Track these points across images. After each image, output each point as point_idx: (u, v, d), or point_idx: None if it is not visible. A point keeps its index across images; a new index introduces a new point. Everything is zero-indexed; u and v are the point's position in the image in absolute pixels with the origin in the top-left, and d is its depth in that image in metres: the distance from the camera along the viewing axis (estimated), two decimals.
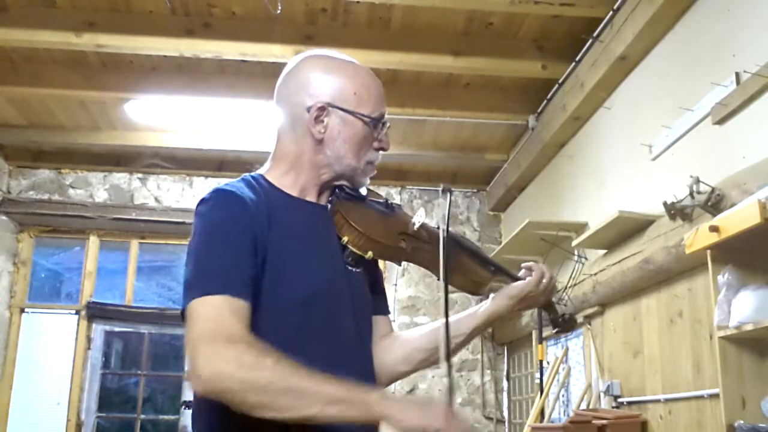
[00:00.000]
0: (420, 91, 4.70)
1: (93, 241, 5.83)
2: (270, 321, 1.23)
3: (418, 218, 1.45)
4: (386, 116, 1.44)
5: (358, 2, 3.77)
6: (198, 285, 1.20)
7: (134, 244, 5.89)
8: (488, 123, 4.99)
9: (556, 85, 4.30)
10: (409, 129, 5.19)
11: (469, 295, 1.50)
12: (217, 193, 1.31)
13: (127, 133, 5.31)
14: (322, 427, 1.16)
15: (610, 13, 3.52)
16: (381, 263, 1.51)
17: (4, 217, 5.62)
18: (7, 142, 5.48)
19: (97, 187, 5.80)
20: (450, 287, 1.35)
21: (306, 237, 1.34)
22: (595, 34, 3.68)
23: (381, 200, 1.49)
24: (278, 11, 3.67)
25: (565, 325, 1.63)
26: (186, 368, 1.16)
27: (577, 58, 3.96)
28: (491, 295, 1.52)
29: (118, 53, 4.24)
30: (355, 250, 1.38)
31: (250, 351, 1.13)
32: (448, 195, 1.38)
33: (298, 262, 1.30)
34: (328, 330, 1.31)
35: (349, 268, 1.39)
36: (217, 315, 1.17)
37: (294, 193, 1.39)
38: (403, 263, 1.47)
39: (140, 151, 5.60)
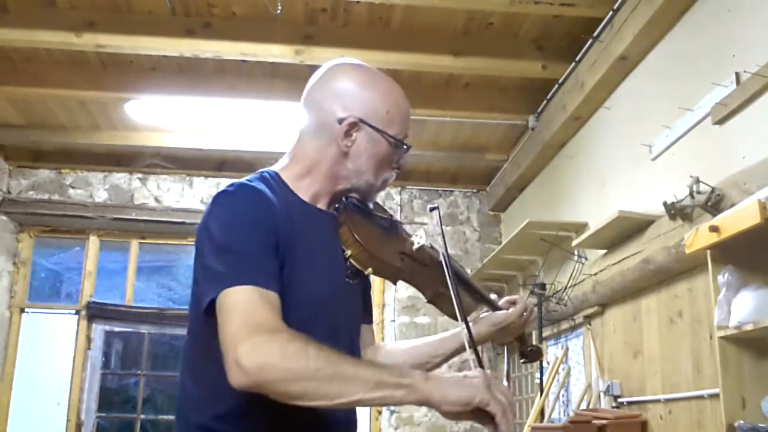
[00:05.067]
0: (420, 91, 4.69)
1: (93, 241, 5.83)
2: None
3: (418, 239, 1.46)
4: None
5: (358, 2, 3.77)
6: (229, 275, 1.19)
7: (134, 244, 5.89)
8: (488, 123, 4.99)
9: (556, 85, 4.30)
10: (409, 129, 5.18)
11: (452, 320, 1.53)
12: (243, 187, 1.31)
13: (127, 133, 5.31)
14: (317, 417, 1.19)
15: (610, 13, 3.52)
16: None
17: (4, 217, 5.62)
18: (7, 142, 5.48)
19: (97, 187, 5.80)
20: (436, 308, 1.43)
21: (317, 244, 1.35)
22: (595, 34, 3.68)
23: (385, 216, 1.50)
24: (278, 11, 3.67)
25: (532, 356, 1.67)
26: (227, 362, 1.13)
27: (577, 58, 3.96)
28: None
29: (118, 53, 4.24)
30: (356, 264, 1.39)
31: (293, 340, 1.13)
32: (437, 213, 1.42)
33: (309, 267, 1.31)
34: (329, 337, 1.31)
35: (347, 279, 1.41)
36: (253, 306, 1.16)
37: (306, 198, 1.39)
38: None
39: (140, 151, 5.60)
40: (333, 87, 1.40)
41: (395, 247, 1.44)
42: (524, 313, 1.56)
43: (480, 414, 1.14)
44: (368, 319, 1.55)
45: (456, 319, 1.52)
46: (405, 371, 1.18)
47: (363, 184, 1.41)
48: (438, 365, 1.54)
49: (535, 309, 1.63)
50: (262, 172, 1.38)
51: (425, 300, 1.47)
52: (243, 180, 1.33)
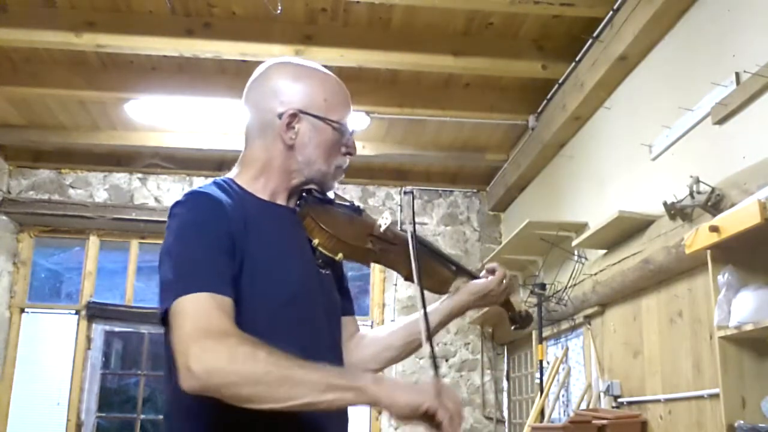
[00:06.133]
0: (420, 91, 4.70)
1: (93, 241, 5.83)
2: (247, 324, 1.23)
3: (384, 220, 1.49)
4: (349, 123, 1.47)
5: (358, 2, 3.77)
6: (181, 283, 1.20)
7: (134, 244, 5.89)
8: (488, 123, 4.99)
9: (556, 85, 4.30)
10: (409, 129, 5.19)
11: (435, 295, 1.56)
12: (193, 195, 1.32)
13: (127, 133, 5.32)
14: (299, 418, 1.20)
15: (610, 13, 3.52)
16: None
17: (4, 217, 5.62)
18: (7, 142, 5.48)
19: (97, 187, 5.80)
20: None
21: (280, 240, 1.36)
22: (595, 34, 3.68)
23: (348, 203, 1.53)
24: (278, 11, 3.67)
25: (523, 322, 1.71)
26: (177, 367, 1.14)
27: (577, 58, 3.96)
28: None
29: (118, 53, 4.24)
30: (325, 252, 1.40)
31: (242, 344, 1.14)
32: (411, 197, 1.45)
33: (275, 265, 1.32)
34: (304, 332, 1.33)
35: (320, 270, 1.42)
36: (205, 311, 1.17)
37: (264, 197, 1.41)
38: (372, 264, 1.51)
39: (140, 151, 5.60)
40: (268, 86, 1.43)
41: (362, 230, 1.47)
42: (504, 280, 1.58)
43: (429, 420, 1.16)
44: (348, 310, 1.56)
45: (436, 292, 1.56)
46: (357, 374, 1.20)
47: (316, 173, 1.43)
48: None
49: (514, 276, 1.65)
50: (215, 180, 1.40)
51: (403, 279, 1.50)
52: (195, 188, 1.35)
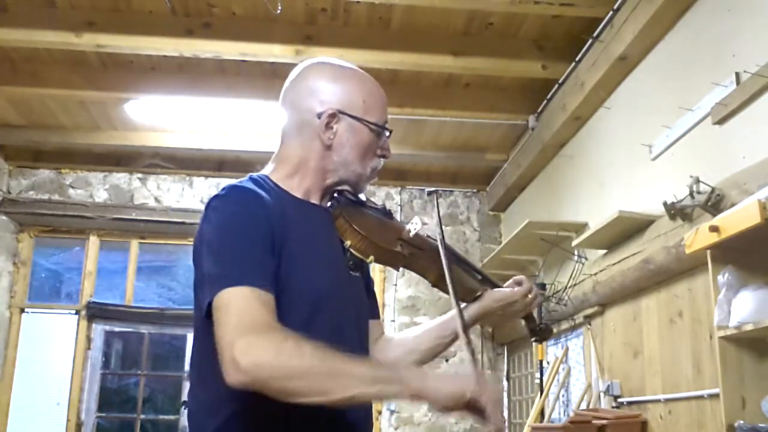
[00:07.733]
0: (420, 91, 4.70)
1: (93, 241, 5.83)
2: (279, 320, 1.23)
3: (414, 225, 1.49)
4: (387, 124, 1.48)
5: (358, 2, 3.77)
6: (225, 277, 1.21)
7: (134, 244, 5.89)
8: (488, 123, 4.99)
9: (556, 85, 4.30)
10: (409, 129, 5.19)
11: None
12: (234, 189, 1.32)
13: (127, 133, 5.32)
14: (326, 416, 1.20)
15: (610, 13, 3.52)
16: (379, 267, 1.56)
17: (4, 217, 5.62)
18: (7, 142, 5.48)
19: (97, 187, 5.80)
20: (442, 292, 1.44)
21: (314, 239, 1.36)
22: (595, 34, 3.69)
23: (379, 207, 1.53)
24: (278, 11, 3.67)
25: (543, 334, 1.71)
26: (223, 361, 1.14)
27: (577, 58, 3.96)
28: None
29: (118, 53, 4.24)
30: (357, 254, 1.40)
31: (287, 339, 1.15)
32: (436, 197, 1.46)
33: (308, 263, 1.32)
34: (334, 332, 1.32)
35: (350, 272, 1.41)
36: (249, 306, 1.18)
37: (299, 195, 1.41)
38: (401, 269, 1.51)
39: (140, 151, 5.60)
40: (307, 86, 1.43)
41: (393, 234, 1.47)
42: (529, 295, 1.58)
43: (471, 408, 1.17)
44: (375, 313, 1.55)
45: (463, 300, 1.54)
46: (398, 368, 1.22)
47: (351, 174, 1.43)
48: (449, 344, 1.54)
49: (540, 294, 1.64)
50: (251, 175, 1.40)
51: (431, 285, 1.49)
52: (234, 182, 1.35)
